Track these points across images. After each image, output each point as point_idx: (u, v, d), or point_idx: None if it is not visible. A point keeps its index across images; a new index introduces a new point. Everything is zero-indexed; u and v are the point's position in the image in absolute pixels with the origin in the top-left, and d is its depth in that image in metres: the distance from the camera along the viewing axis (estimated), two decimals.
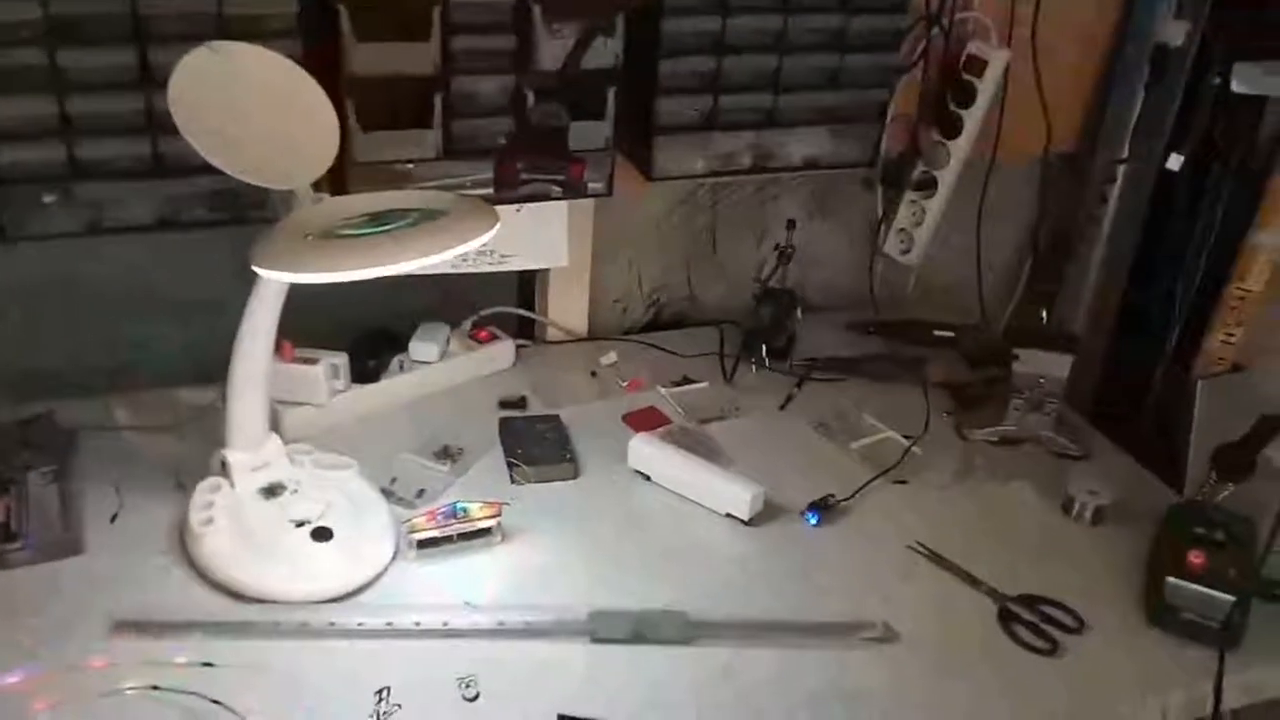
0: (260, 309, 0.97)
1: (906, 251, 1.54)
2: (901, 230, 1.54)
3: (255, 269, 0.87)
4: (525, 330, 1.48)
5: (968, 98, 1.40)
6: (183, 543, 1.04)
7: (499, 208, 0.96)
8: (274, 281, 0.93)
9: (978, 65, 1.39)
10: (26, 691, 0.87)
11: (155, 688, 0.88)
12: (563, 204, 1.32)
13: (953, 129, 1.42)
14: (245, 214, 1.09)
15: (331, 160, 0.96)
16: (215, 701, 0.87)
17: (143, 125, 1.02)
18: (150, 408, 1.23)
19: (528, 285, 1.48)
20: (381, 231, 0.87)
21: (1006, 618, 1.04)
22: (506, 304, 1.45)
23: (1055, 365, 1.30)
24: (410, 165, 1.13)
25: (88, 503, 1.08)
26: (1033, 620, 1.04)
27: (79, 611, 0.95)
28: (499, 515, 1.07)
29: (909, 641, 1.01)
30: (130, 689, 0.88)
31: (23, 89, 0.98)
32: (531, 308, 1.47)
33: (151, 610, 0.96)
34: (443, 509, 1.06)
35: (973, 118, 1.41)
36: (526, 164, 1.15)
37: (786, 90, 1.25)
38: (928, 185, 1.48)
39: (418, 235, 0.87)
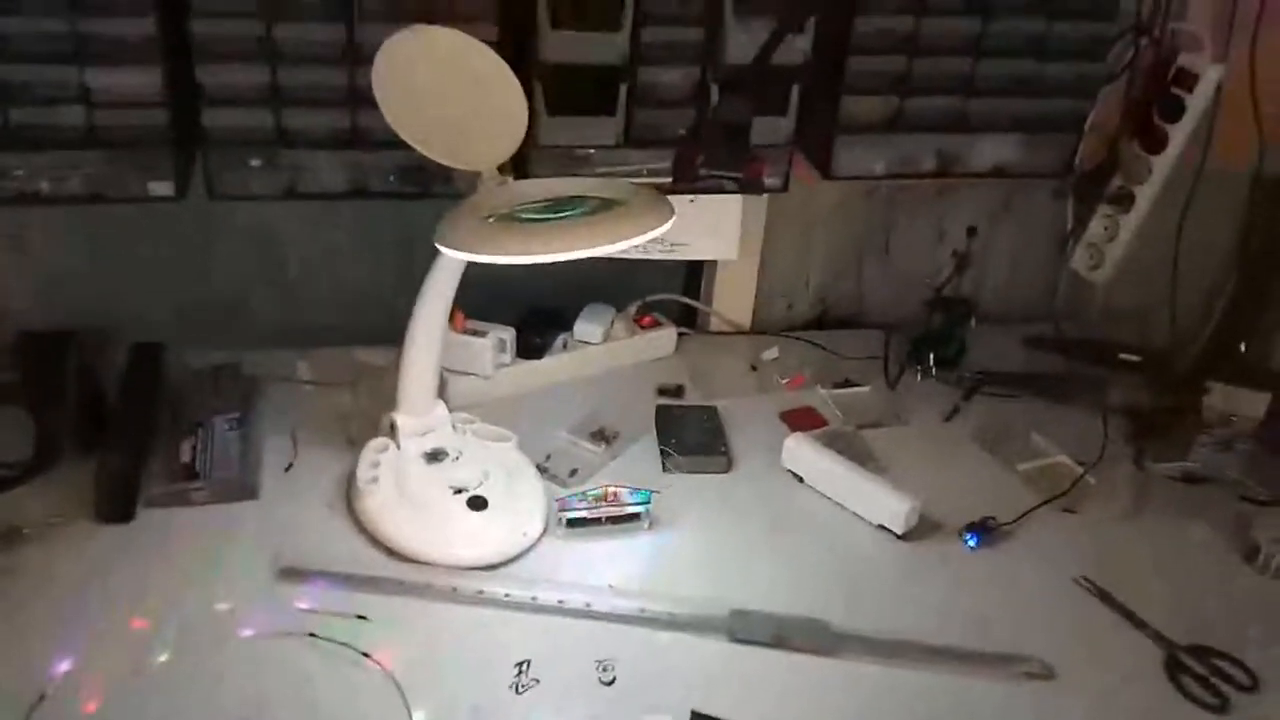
0: (438, 282, 1.00)
1: (1095, 268, 1.46)
2: (1091, 245, 1.45)
3: (438, 246, 0.89)
4: (688, 319, 1.48)
5: (1175, 113, 1.31)
6: (348, 497, 1.09)
7: (673, 197, 0.96)
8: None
9: (1188, 79, 1.29)
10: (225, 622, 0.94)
11: (312, 635, 0.93)
12: (737, 197, 1.31)
13: (1157, 143, 1.33)
14: (431, 187, 1.13)
15: (518, 145, 0.98)
16: (364, 654, 0.92)
17: (344, 99, 1.07)
18: (329, 364, 1.29)
19: (694, 273, 1.48)
20: (560, 218, 0.88)
21: (1174, 667, 0.98)
22: (672, 291, 1.46)
23: (1250, 403, 1.21)
24: (591, 151, 1.15)
25: (266, 450, 1.15)
26: (1203, 673, 0.97)
27: (248, 554, 1.01)
28: (650, 504, 1.08)
29: (1065, 681, 0.96)
30: (289, 634, 0.93)
31: (241, 58, 1.04)
32: (696, 296, 1.47)
33: (314, 558, 1.01)
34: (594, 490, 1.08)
35: (1180, 133, 1.31)
36: (706, 159, 1.15)
37: (979, 95, 1.21)
38: (1124, 200, 1.40)
39: (595, 224, 0.87)
